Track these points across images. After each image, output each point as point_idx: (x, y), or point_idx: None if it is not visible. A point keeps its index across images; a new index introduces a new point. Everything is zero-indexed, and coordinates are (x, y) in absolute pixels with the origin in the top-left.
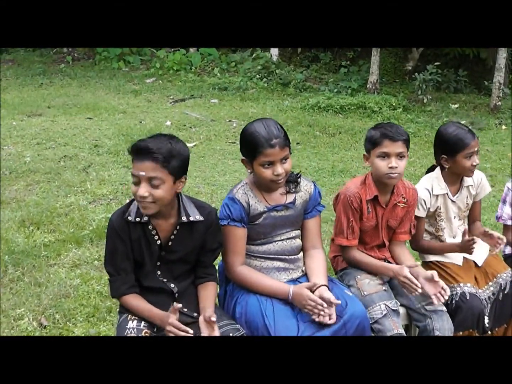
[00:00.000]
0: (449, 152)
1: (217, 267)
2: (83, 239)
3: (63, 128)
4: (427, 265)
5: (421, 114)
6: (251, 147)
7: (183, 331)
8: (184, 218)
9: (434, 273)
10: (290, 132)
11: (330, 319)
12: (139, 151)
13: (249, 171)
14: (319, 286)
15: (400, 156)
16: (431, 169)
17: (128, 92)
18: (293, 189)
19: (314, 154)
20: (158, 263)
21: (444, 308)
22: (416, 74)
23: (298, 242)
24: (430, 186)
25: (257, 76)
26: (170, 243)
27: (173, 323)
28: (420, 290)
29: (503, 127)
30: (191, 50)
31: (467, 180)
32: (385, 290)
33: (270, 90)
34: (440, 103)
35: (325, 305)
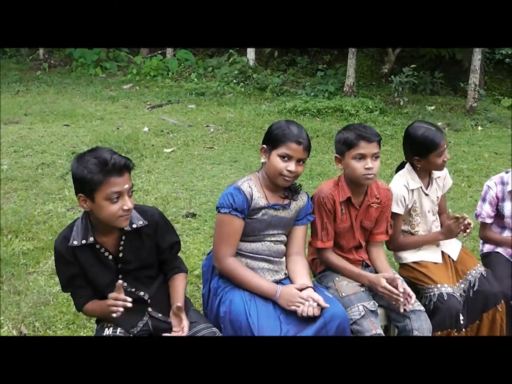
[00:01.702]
0: (421, 154)
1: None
2: None
3: (40, 135)
4: (403, 267)
5: (397, 116)
6: (278, 136)
7: (122, 300)
8: (128, 228)
9: (399, 281)
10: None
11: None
12: (120, 166)
13: (263, 160)
14: (307, 287)
15: (375, 156)
16: (401, 166)
17: (105, 98)
18: (292, 196)
19: None
20: (120, 276)
21: (422, 308)
22: (393, 76)
23: (283, 247)
24: (406, 182)
25: (234, 80)
26: (121, 255)
27: (111, 296)
28: (402, 299)
29: (479, 128)
30: (168, 55)
31: (435, 173)
32: (363, 291)
33: (247, 94)
34: (416, 105)
35: (313, 302)
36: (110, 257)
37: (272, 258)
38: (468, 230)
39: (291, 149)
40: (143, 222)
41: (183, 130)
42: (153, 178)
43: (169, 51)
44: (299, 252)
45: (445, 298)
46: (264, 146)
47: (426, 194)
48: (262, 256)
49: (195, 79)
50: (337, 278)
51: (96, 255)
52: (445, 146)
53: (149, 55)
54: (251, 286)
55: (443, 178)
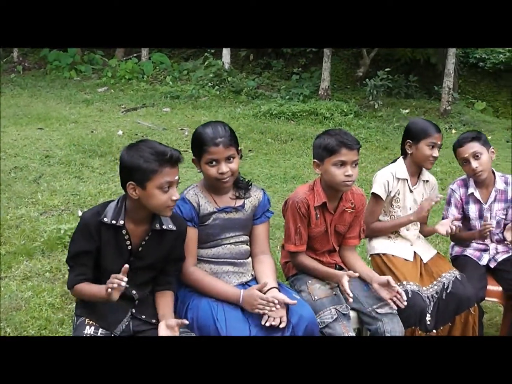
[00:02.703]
0: (414, 138)
1: None
2: (34, 251)
3: (13, 138)
4: (373, 258)
5: (372, 120)
6: (197, 145)
7: (119, 279)
8: (157, 226)
9: (389, 278)
10: (242, 140)
11: (281, 322)
12: (176, 159)
13: (198, 170)
14: (271, 288)
15: (355, 163)
16: (394, 162)
17: (79, 101)
18: (243, 195)
19: (266, 161)
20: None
21: (395, 311)
22: (367, 80)
23: (246, 247)
24: (393, 170)
25: (209, 84)
26: (140, 249)
27: (112, 275)
28: (351, 300)
29: (453, 131)
30: (143, 58)
31: (425, 175)
32: (335, 294)
33: (222, 97)
34: (391, 109)
35: (276, 302)
36: (130, 247)
37: (236, 261)
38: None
39: (213, 153)
40: (173, 226)
41: (158, 134)
42: None
43: (144, 54)
44: (264, 251)
45: (410, 296)
46: (193, 157)
47: (411, 191)
48: (225, 260)
49: (170, 82)
50: (309, 281)
51: (118, 239)
52: (438, 142)
53: (124, 58)
54: (215, 293)
55: (431, 186)
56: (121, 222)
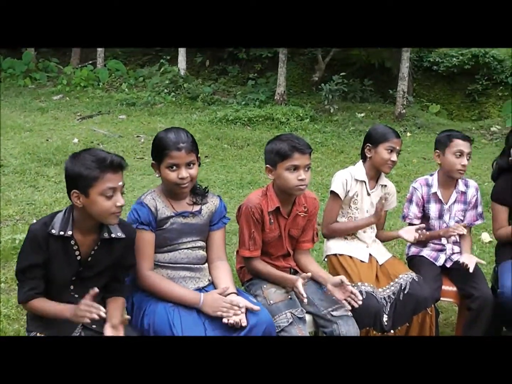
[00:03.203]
0: (373, 141)
1: None
2: None
3: None
4: (328, 258)
5: (328, 124)
6: (159, 149)
7: (96, 308)
8: (106, 235)
9: (343, 277)
10: (198, 146)
11: (241, 325)
12: (117, 165)
13: (157, 175)
14: (231, 293)
15: (307, 167)
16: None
17: (34, 109)
18: (200, 201)
19: (222, 167)
20: (73, 278)
21: (350, 313)
22: (323, 84)
23: (203, 252)
24: (353, 171)
25: (165, 90)
26: (89, 259)
27: (86, 302)
28: (305, 301)
29: (408, 134)
30: (99, 65)
31: (383, 180)
32: (290, 298)
33: (178, 104)
34: (346, 113)
35: (241, 305)
36: (79, 257)
37: (192, 266)
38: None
39: (174, 157)
40: (121, 234)
41: (114, 141)
42: None
43: (99, 61)
44: (220, 257)
45: (364, 297)
46: (153, 162)
47: (369, 194)
48: (182, 265)
49: (126, 89)
50: (265, 286)
51: (67, 250)
52: (397, 147)
53: (79, 66)
54: (173, 297)
55: (388, 193)
56: (69, 232)
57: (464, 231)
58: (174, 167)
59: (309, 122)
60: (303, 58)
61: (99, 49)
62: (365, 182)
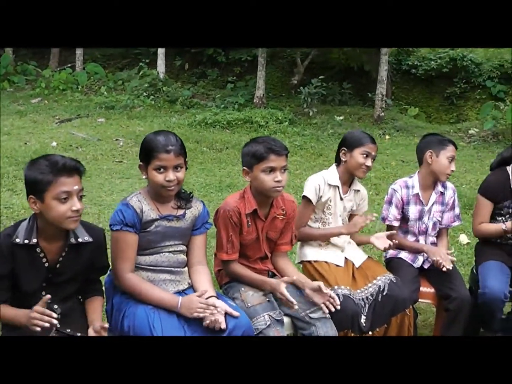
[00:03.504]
0: (349, 146)
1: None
2: None
3: None
4: (304, 265)
5: (307, 127)
6: (148, 151)
7: (47, 315)
8: (72, 240)
9: (321, 283)
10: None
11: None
12: (69, 167)
13: (144, 177)
14: (210, 297)
15: (284, 169)
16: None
17: (12, 113)
18: (184, 205)
19: (201, 170)
20: (44, 284)
21: (328, 315)
22: (302, 87)
23: (183, 256)
24: (326, 176)
25: (144, 93)
26: (58, 266)
27: (37, 309)
28: (296, 307)
29: (387, 137)
30: (77, 68)
31: (356, 185)
32: (268, 300)
33: (157, 107)
34: (325, 116)
35: (217, 305)
36: (46, 264)
37: (173, 269)
38: (386, 244)
39: (163, 159)
40: (88, 238)
41: (92, 145)
42: None
43: (78, 64)
44: (201, 261)
45: (341, 300)
46: (140, 163)
47: (342, 198)
48: (162, 268)
49: (105, 93)
50: (242, 289)
51: (33, 258)
52: (373, 153)
53: (58, 69)
54: (152, 300)
55: (361, 197)
56: (34, 240)
57: (450, 266)
58: (162, 169)
59: (288, 125)
60: (282, 62)
61: (78, 52)
62: (338, 187)
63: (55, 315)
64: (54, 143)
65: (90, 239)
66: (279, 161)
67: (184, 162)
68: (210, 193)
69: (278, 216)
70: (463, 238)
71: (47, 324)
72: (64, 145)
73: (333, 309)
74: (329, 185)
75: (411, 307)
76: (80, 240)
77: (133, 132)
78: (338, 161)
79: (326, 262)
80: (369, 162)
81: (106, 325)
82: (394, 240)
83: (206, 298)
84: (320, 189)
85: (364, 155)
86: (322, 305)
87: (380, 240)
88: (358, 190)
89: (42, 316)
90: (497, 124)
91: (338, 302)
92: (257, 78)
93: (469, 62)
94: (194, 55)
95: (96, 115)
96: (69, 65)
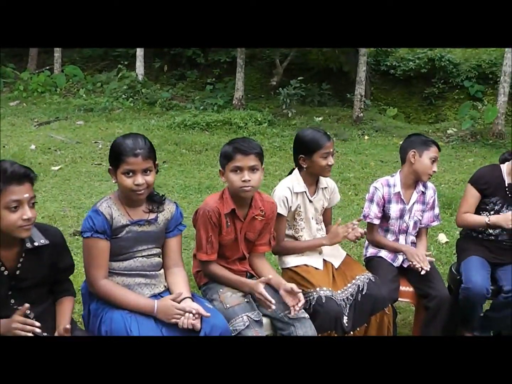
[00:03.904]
0: (306, 152)
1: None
2: None
3: None
4: (285, 271)
5: (286, 128)
6: (116, 155)
7: (29, 325)
8: (28, 245)
9: (293, 286)
10: (156, 151)
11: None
12: (19, 175)
13: (114, 181)
14: (185, 298)
15: (253, 169)
16: (290, 173)
17: None
18: (156, 208)
19: (180, 172)
20: (10, 293)
21: (306, 315)
22: (281, 89)
23: (158, 259)
24: (291, 185)
25: (123, 96)
26: (18, 272)
27: (18, 319)
28: (273, 307)
29: (366, 137)
30: (56, 71)
31: (322, 183)
32: (247, 301)
33: (136, 109)
34: (304, 117)
35: (193, 312)
36: (6, 272)
37: (148, 273)
38: (357, 233)
39: (131, 163)
40: (45, 241)
41: (71, 147)
42: (40, 196)
43: (56, 66)
44: (176, 263)
45: (324, 301)
46: (110, 167)
47: (310, 201)
48: (137, 272)
49: (84, 95)
50: (221, 290)
51: None
52: (331, 150)
53: (37, 71)
54: (128, 305)
55: (330, 191)
56: None
57: (428, 268)
58: (131, 173)
59: (267, 126)
60: (261, 63)
61: (56, 55)
62: (305, 192)
63: (37, 323)
64: (33, 146)
65: (47, 241)
66: (246, 160)
67: (154, 165)
68: (190, 195)
69: (256, 216)
70: (442, 237)
71: (30, 334)
72: (43, 148)
73: (292, 313)
74: (296, 193)
75: (390, 306)
76: (36, 244)
77: (112, 134)
78: (298, 166)
79: (306, 265)
80: (331, 161)
81: (68, 327)
82: (354, 224)
83: (181, 300)
84: (288, 200)
85: (324, 157)
86: (291, 308)
87: (342, 230)
88: (326, 187)
89: (24, 326)
90: (475, 124)
91: (300, 306)
92: (236, 80)
93: (447, 62)
94: (173, 57)
95: (75, 117)
96: (47, 67)
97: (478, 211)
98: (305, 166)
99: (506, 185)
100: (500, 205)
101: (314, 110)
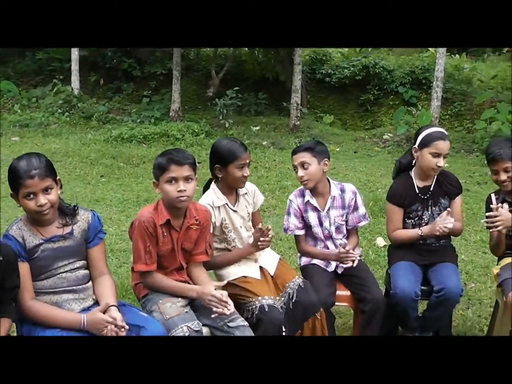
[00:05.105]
0: (222, 162)
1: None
2: None
3: None
4: (226, 285)
5: None
6: (13, 180)
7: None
8: None
9: (224, 293)
10: (94, 165)
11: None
12: None
13: (18, 205)
14: (109, 307)
15: (187, 179)
16: (207, 185)
17: None
18: (70, 221)
19: (118, 185)
20: None
21: (246, 323)
22: (217, 99)
23: (84, 271)
24: (210, 200)
25: (59, 110)
26: None
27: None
28: (231, 308)
29: None
30: None
31: (242, 189)
32: (186, 312)
33: (72, 124)
34: (241, 126)
35: (125, 326)
36: None
37: (74, 287)
38: (269, 236)
39: (29, 186)
40: None
41: (7, 164)
42: None
43: None
44: (101, 272)
45: (267, 310)
46: (11, 192)
47: (234, 211)
48: (63, 289)
49: (19, 111)
50: (160, 301)
51: None
52: (247, 161)
53: None
54: (56, 323)
55: (252, 195)
56: None
57: (357, 259)
58: (31, 195)
59: (205, 137)
60: (197, 74)
61: None
62: (226, 204)
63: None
64: None
65: (0, 258)
66: (181, 170)
67: (54, 182)
68: (128, 208)
69: (192, 226)
70: (380, 241)
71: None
72: None
73: (221, 312)
74: (217, 207)
75: (322, 310)
76: None
77: (49, 149)
78: (214, 177)
79: (244, 276)
80: (246, 172)
81: None
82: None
83: (106, 309)
84: (212, 217)
85: (240, 168)
86: (215, 313)
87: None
88: (246, 193)
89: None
90: (410, 129)
91: (230, 308)
92: (173, 92)
93: (381, 69)
94: (109, 70)
95: (10, 133)
96: None
97: (403, 220)
98: (220, 176)
99: (417, 190)
100: (422, 210)
101: (251, 120)
